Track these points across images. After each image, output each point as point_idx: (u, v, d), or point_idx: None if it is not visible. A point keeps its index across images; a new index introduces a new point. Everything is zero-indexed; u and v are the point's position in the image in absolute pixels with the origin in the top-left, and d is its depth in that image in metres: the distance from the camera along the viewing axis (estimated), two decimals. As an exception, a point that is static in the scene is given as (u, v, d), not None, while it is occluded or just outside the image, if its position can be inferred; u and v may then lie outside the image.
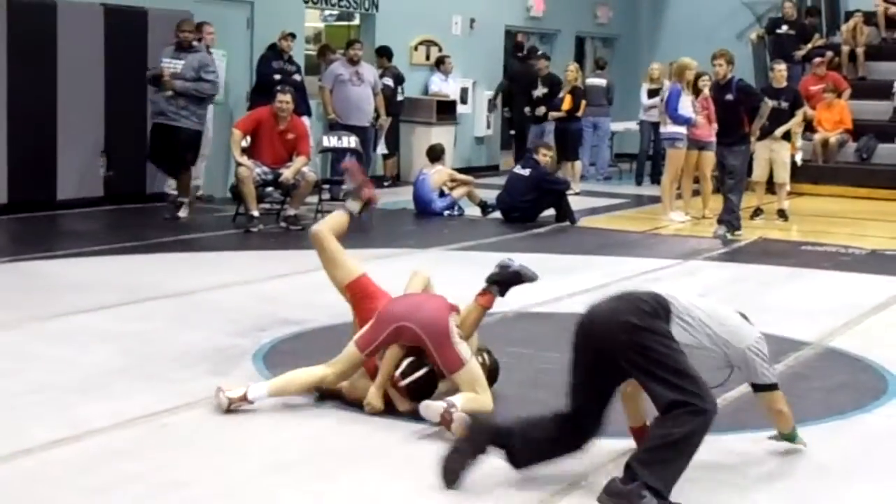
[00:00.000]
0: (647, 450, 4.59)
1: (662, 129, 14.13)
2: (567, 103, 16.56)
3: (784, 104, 13.81)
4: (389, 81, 15.99)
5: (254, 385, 5.73)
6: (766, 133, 13.69)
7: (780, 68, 14.28)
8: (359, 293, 6.05)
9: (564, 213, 13.22)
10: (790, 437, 5.31)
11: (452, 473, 4.69)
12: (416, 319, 5.64)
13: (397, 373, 5.66)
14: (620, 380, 4.81)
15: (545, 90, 16.97)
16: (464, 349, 5.64)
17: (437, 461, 4.71)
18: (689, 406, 4.53)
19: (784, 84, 14.10)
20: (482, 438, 4.77)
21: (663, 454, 4.52)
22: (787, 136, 14.04)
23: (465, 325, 5.80)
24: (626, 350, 4.61)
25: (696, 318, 4.82)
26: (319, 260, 6.24)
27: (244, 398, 5.62)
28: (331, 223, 6.33)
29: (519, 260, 6.07)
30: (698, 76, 13.70)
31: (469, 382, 5.57)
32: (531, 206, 13.16)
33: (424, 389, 5.64)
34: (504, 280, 5.93)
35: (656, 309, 4.73)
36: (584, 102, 16.83)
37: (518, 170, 13.59)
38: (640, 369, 4.61)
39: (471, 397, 5.51)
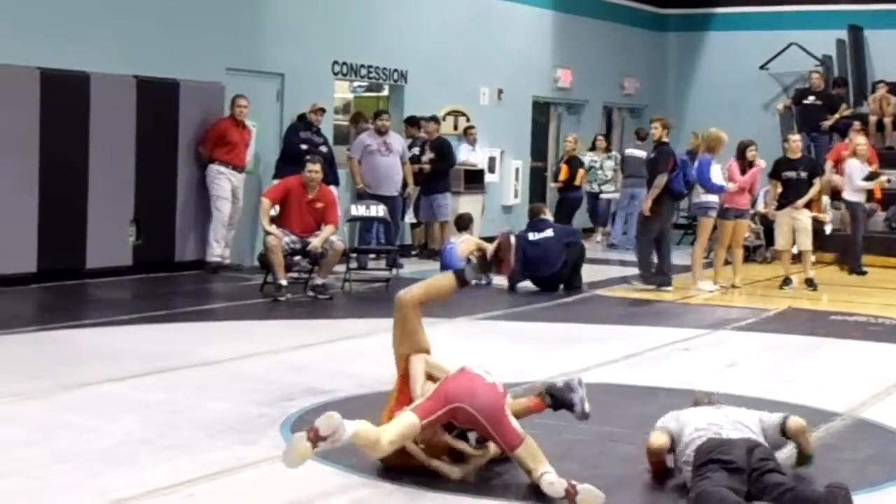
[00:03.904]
0: None
1: (695, 199, 14.18)
2: (563, 173, 16.84)
3: (802, 174, 14.00)
4: (418, 151, 16.07)
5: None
6: (786, 203, 13.86)
7: (795, 139, 14.54)
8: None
9: (578, 275, 13.27)
10: (810, 459, 5.75)
11: None
12: (475, 405, 5.56)
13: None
14: None
15: (432, 155, 16.07)
16: (518, 426, 5.64)
17: None
18: None
19: (799, 155, 14.32)
20: None
21: None
22: (807, 205, 14.19)
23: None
24: None
25: None
26: (393, 323, 6.02)
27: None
28: (430, 290, 6.04)
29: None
30: (747, 146, 13.83)
31: (532, 456, 5.55)
32: (563, 265, 13.14)
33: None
34: (559, 400, 5.90)
35: None
36: (581, 172, 17.10)
37: (535, 236, 13.19)
38: None
39: (549, 468, 5.49)
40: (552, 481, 5.36)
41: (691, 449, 5.52)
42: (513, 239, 6.25)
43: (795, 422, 5.79)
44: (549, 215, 13.82)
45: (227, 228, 13.79)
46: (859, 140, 16.18)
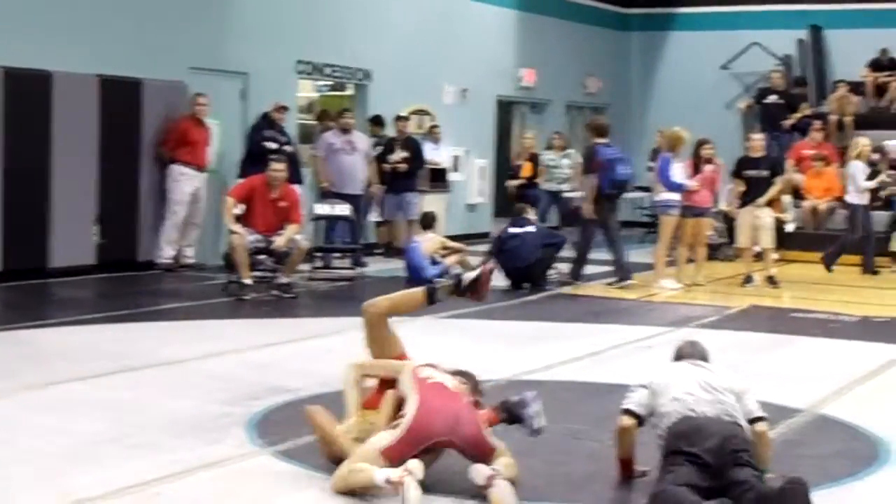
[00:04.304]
0: None
1: (656, 197, 14.26)
2: (527, 170, 16.96)
3: (764, 173, 14.11)
4: (383, 149, 16.05)
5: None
6: (748, 201, 13.98)
7: (757, 138, 14.63)
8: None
9: (545, 275, 13.47)
10: (760, 475, 5.41)
11: None
12: (458, 435, 5.53)
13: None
14: None
15: (404, 153, 16.03)
16: (489, 436, 5.65)
17: None
18: None
19: (761, 153, 14.37)
20: None
21: None
22: (769, 203, 14.32)
23: None
24: None
25: None
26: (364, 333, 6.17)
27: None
28: (397, 303, 6.20)
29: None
30: (701, 144, 13.92)
31: (497, 460, 5.58)
32: (536, 262, 13.28)
33: None
34: (513, 415, 5.95)
35: None
36: (542, 169, 17.21)
37: (516, 230, 13.47)
38: None
39: (507, 462, 5.54)
40: (479, 468, 5.39)
41: (665, 423, 5.51)
42: (493, 271, 6.36)
43: (761, 427, 5.67)
44: (531, 214, 13.97)
45: (188, 229, 13.79)
46: (863, 140, 16.12)
